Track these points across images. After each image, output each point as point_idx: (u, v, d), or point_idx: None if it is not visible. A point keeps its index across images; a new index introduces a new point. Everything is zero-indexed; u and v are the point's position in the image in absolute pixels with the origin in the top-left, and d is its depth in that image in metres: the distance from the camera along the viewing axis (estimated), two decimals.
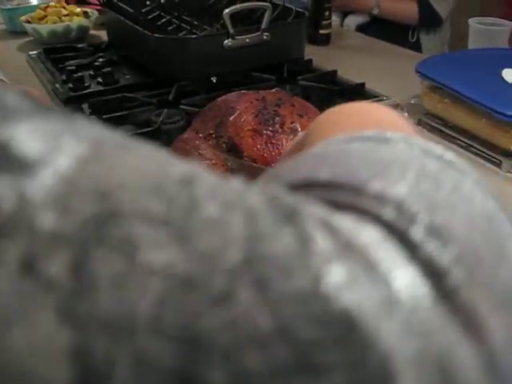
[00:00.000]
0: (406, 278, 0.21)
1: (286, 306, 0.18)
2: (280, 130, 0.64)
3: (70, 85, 1.35)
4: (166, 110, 1.15)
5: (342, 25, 2.04)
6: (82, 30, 1.81)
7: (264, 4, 1.31)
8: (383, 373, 0.18)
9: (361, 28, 2.00)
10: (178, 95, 1.25)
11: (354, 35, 1.93)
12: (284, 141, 0.63)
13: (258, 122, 0.65)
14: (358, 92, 1.31)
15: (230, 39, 1.27)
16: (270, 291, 0.18)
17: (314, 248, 0.20)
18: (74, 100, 1.28)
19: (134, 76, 1.43)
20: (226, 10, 1.24)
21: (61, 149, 0.20)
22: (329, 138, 0.33)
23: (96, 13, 1.87)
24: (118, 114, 1.18)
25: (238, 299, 0.18)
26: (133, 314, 0.17)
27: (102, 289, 0.17)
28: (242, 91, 0.74)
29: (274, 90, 0.75)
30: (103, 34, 1.76)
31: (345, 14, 2.05)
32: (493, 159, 0.99)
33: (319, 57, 1.54)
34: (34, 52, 1.67)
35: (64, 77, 1.42)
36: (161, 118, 1.12)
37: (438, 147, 0.30)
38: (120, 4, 1.50)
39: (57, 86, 1.37)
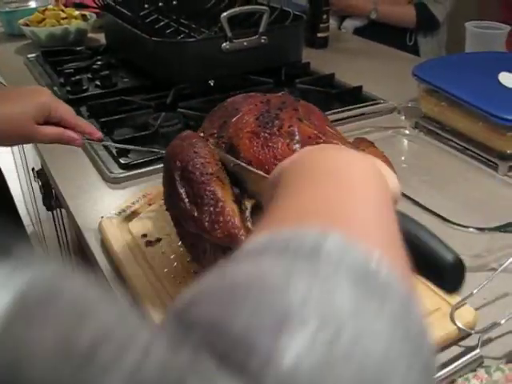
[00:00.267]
0: None
1: None
2: (277, 133, 0.64)
3: (68, 88, 1.36)
4: (163, 114, 1.16)
5: (339, 28, 2.04)
6: (80, 33, 1.81)
7: (262, 7, 1.32)
8: None
9: (358, 31, 2.00)
10: (176, 98, 1.25)
11: (352, 38, 1.93)
12: (280, 144, 0.64)
13: (258, 124, 0.65)
14: (355, 95, 1.31)
15: (227, 42, 1.27)
16: None
17: None
18: (72, 103, 1.27)
19: (132, 79, 1.44)
20: (224, 14, 1.24)
21: None
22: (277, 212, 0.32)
23: (94, 16, 1.87)
24: (116, 117, 1.19)
25: None
26: None
27: None
28: (250, 93, 0.75)
29: (280, 94, 0.75)
30: (101, 37, 1.76)
31: (343, 18, 2.06)
32: (489, 162, 0.99)
33: (317, 60, 1.54)
34: (33, 55, 1.68)
35: (62, 80, 1.42)
36: (158, 121, 1.12)
37: (373, 259, 0.27)
38: (118, 7, 1.50)
39: (55, 88, 1.37)
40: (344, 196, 0.33)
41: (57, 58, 1.61)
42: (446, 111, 1.09)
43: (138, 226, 0.81)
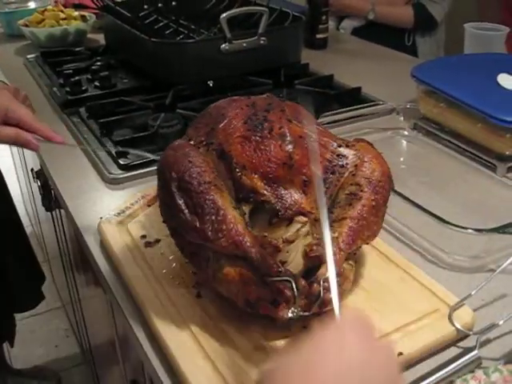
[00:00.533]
0: None
1: None
2: (268, 136, 0.64)
3: (68, 88, 1.36)
4: (163, 114, 1.16)
5: (337, 28, 2.04)
6: (80, 34, 1.81)
7: (261, 8, 1.32)
8: None
9: (357, 31, 2.01)
10: (175, 99, 1.25)
11: (351, 39, 1.93)
12: (272, 146, 0.64)
13: (247, 128, 0.65)
14: (354, 96, 1.31)
15: (227, 43, 1.27)
16: None
17: None
18: (71, 104, 1.28)
19: (132, 80, 1.44)
20: (223, 15, 1.24)
21: None
22: None
23: (94, 17, 1.87)
24: (115, 117, 1.19)
25: None
26: None
27: None
28: (234, 97, 0.75)
29: (264, 96, 0.75)
30: (101, 38, 1.76)
31: (341, 18, 2.06)
32: (488, 163, 0.99)
33: (316, 61, 1.55)
34: (32, 55, 1.68)
35: (61, 80, 1.42)
36: (158, 122, 1.12)
37: None
38: (117, 8, 1.50)
39: (54, 89, 1.37)
40: None
41: (56, 59, 1.61)
42: (445, 112, 1.09)
43: (137, 227, 0.81)
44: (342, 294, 0.60)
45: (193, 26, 1.50)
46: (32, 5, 2.13)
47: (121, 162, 1.01)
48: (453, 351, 0.62)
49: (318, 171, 0.62)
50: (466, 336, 0.63)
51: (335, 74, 1.42)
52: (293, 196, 0.63)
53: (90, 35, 1.88)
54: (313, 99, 1.28)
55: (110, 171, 1.00)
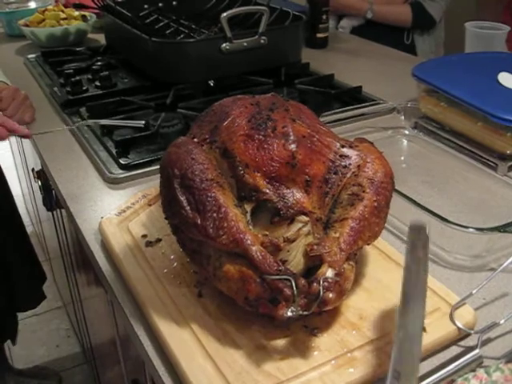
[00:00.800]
0: None
1: None
2: (272, 135, 0.64)
3: (68, 88, 1.36)
4: (163, 114, 1.16)
5: (336, 27, 2.04)
6: (80, 34, 1.81)
7: (262, 8, 1.32)
8: None
9: (356, 30, 2.01)
10: (176, 99, 1.25)
11: (351, 39, 1.93)
12: (275, 145, 0.64)
13: (251, 126, 0.65)
14: (354, 95, 1.31)
15: (227, 43, 1.27)
16: None
17: None
18: (71, 103, 1.28)
19: (132, 79, 1.44)
20: (224, 14, 1.24)
21: None
22: None
23: (94, 16, 1.88)
24: (116, 117, 1.19)
25: None
26: None
27: None
28: (238, 96, 0.75)
29: (269, 95, 0.75)
30: (101, 38, 1.76)
31: (339, 17, 2.06)
32: (488, 162, 0.99)
33: (316, 60, 1.55)
34: (32, 55, 1.68)
35: (62, 80, 1.42)
36: (158, 122, 1.12)
37: None
38: (118, 8, 1.50)
39: (55, 89, 1.37)
40: None
41: (57, 59, 1.61)
42: (446, 111, 1.09)
43: (137, 227, 0.81)
44: (343, 294, 0.60)
45: (193, 26, 1.50)
46: (32, 5, 2.13)
47: (121, 161, 1.02)
48: (454, 350, 0.62)
49: None
50: (468, 335, 0.63)
51: (336, 74, 1.42)
52: (295, 195, 0.63)
53: (90, 35, 1.88)
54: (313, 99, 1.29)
55: (110, 171, 1.00)
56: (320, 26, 1.72)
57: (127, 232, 0.80)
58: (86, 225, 0.87)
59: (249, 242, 0.58)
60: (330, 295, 0.57)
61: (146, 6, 1.65)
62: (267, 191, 0.62)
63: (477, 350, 0.60)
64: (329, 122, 1.09)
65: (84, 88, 1.37)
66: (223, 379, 0.56)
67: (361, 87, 1.33)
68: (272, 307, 0.56)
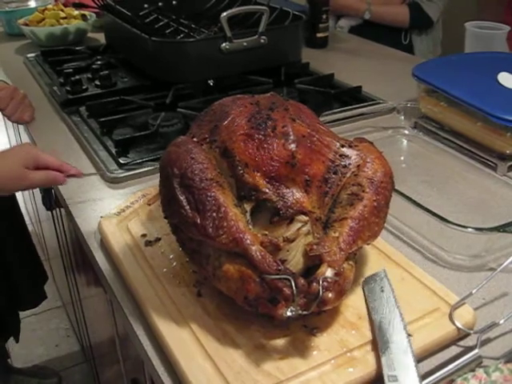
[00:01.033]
0: None
1: None
2: (271, 134, 0.64)
3: (68, 87, 1.36)
4: (163, 113, 1.16)
5: (335, 27, 2.04)
6: (80, 33, 1.81)
7: (261, 7, 1.32)
8: None
9: (354, 30, 2.01)
10: (176, 98, 1.25)
11: (351, 38, 1.93)
12: (275, 145, 0.64)
13: (251, 126, 0.65)
14: (354, 95, 1.31)
15: (227, 42, 1.27)
16: None
17: None
18: (71, 103, 1.28)
19: (132, 79, 1.44)
20: (224, 14, 1.24)
21: None
22: None
23: (94, 15, 1.88)
24: (116, 116, 1.19)
25: None
26: None
27: None
28: (238, 95, 0.75)
29: (268, 94, 0.75)
30: (101, 37, 1.76)
31: (338, 17, 2.07)
32: (488, 162, 0.99)
33: (316, 60, 1.55)
34: (32, 54, 1.68)
35: (61, 79, 1.42)
36: (158, 121, 1.12)
37: None
38: (118, 7, 1.50)
39: (54, 88, 1.37)
40: None
41: (56, 58, 1.61)
42: (446, 111, 1.09)
43: (137, 226, 0.81)
44: (342, 294, 0.60)
45: (193, 25, 1.50)
46: (32, 4, 2.13)
47: (121, 161, 1.02)
48: (453, 350, 0.62)
49: None
50: (467, 335, 0.63)
51: (336, 73, 1.42)
52: (294, 195, 0.63)
53: (90, 34, 1.88)
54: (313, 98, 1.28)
55: (110, 170, 1.00)
56: (320, 25, 1.72)
57: (126, 231, 0.80)
58: (86, 224, 0.87)
59: (248, 241, 0.58)
60: (330, 295, 0.57)
61: (145, 6, 1.65)
62: (267, 191, 0.62)
63: (476, 350, 0.60)
64: (329, 122, 1.09)
65: (84, 87, 1.37)
66: (222, 379, 0.56)
67: (361, 87, 1.33)
68: (271, 307, 0.56)
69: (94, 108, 1.23)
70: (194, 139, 0.69)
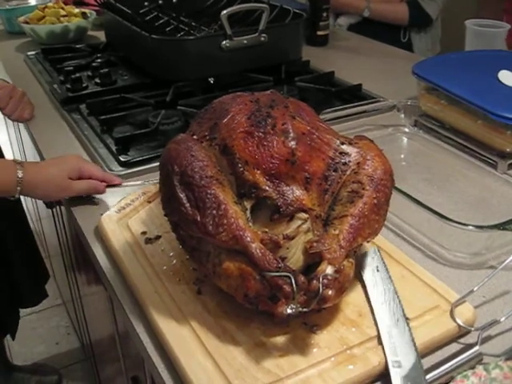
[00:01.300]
0: None
1: None
2: (271, 132, 0.64)
3: (68, 85, 1.36)
4: (163, 111, 1.16)
5: (334, 25, 2.04)
6: (80, 31, 1.81)
7: (262, 5, 1.32)
8: None
9: (353, 28, 2.01)
10: (176, 96, 1.25)
11: (352, 36, 1.93)
12: (275, 142, 0.64)
13: (250, 123, 0.65)
14: (355, 93, 1.31)
15: (227, 40, 1.27)
16: None
17: None
18: (71, 101, 1.28)
19: (132, 77, 1.44)
20: (224, 11, 1.24)
21: None
22: None
23: (94, 14, 1.87)
24: (116, 114, 1.19)
25: None
26: None
27: None
28: (238, 93, 0.75)
29: (268, 92, 0.75)
30: (101, 35, 1.76)
31: (337, 15, 2.06)
32: (488, 160, 0.99)
33: (317, 58, 1.54)
34: (32, 52, 1.68)
35: (62, 77, 1.42)
36: (158, 119, 1.12)
37: None
38: (118, 5, 1.50)
39: (55, 86, 1.37)
40: None
41: (57, 56, 1.61)
42: (446, 109, 1.08)
43: (137, 224, 0.81)
44: (342, 291, 0.60)
45: (193, 23, 1.50)
46: (32, 2, 2.13)
47: (121, 158, 1.02)
48: (454, 347, 0.62)
49: None
50: (467, 332, 0.63)
51: (336, 71, 1.42)
52: (294, 192, 0.63)
53: (90, 32, 1.88)
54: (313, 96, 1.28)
55: (110, 168, 1.00)
56: (320, 23, 1.72)
57: (127, 229, 0.80)
58: (86, 222, 0.87)
59: (248, 238, 0.58)
60: (330, 292, 0.57)
61: (146, 4, 1.65)
62: (267, 188, 0.62)
63: (477, 347, 0.60)
64: (329, 120, 1.09)
65: (84, 85, 1.37)
66: (222, 376, 0.56)
67: (361, 85, 1.33)
68: (271, 304, 0.56)
69: (94, 106, 1.23)
70: (194, 137, 0.69)
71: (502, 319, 0.63)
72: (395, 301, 0.64)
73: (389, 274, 0.68)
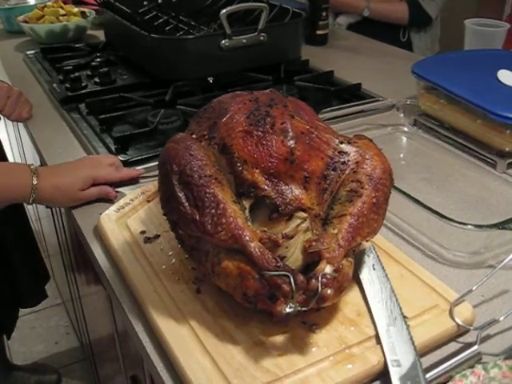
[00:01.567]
0: None
1: None
2: (270, 131, 0.64)
3: (67, 84, 1.35)
4: (162, 110, 1.16)
5: (333, 24, 2.04)
6: (80, 30, 1.81)
7: (261, 4, 1.32)
8: None
9: (352, 27, 2.01)
10: (175, 95, 1.25)
11: (351, 36, 1.93)
12: (274, 141, 0.64)
13: (249, 123, 0.65)
14: (354, 92, 1.31)
15: (226, 39, 1.27)
16: None
17: None
18: (70, 100, 1.28)
19: (131, 76, 1.44)
20: (223, 11, 1.24)
21: None
22: None
23: (93, 13, 1.87)
24: (115, 113, 1.18)
25: None
26: None
27: None
28: (237, 92, 0.75)
29: (267, 91, 0.75)
30: (101, 34, 1.76)
31: (336, 14, 2.07)
32: (487, 160, 0.99)
33: (316, 57, 1.54)
34: (31, 52, 1.68)
35: (61, 76, 1.42)
36: (157, 118, 1.12)
37: None
38: (117, 4, 1.50)
39: (54, 85, 1.37)
40: None
41: (56, 55, 1.61)
42: (445, 109, 1.08)
43: (136, 223, 0.81)
44: (341, 290, 0.60)
45: (192, 22, 1.50)
46: (32, 1, 2.13)
47: (121, 158, 1.01)
48: (452, 346, 0.62)
49: None
50: (466, 331, 0.63)
51: (335, 71, 1.41)
52: (293, 192, 0.63)
53: (89, 31, 1.88)
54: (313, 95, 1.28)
55: None
56: (320, 22, 1.72)
57: (126, 228, 0.80)
58: (85, 221, 0.87)
59: (247, 238, 0.58)
60: (329, 291, 0.57)
61: (145, 3, 1.65)
62: (266, 187, 0.62)
63: (476, 347, 0.60)
64: (328, 119, 1.09)
65: (83, 84, 1.36)
66: (221, 375, 0.56)
67: (360, 84, 1.33)
68: (270, 303, 0.56)
69: (93, 105, 1.23)
70: (193, 136, 0.69)
71: (501, 318, 0.63)
72: (392, 299, 0.64)
73: (385, 273, 0.68)
